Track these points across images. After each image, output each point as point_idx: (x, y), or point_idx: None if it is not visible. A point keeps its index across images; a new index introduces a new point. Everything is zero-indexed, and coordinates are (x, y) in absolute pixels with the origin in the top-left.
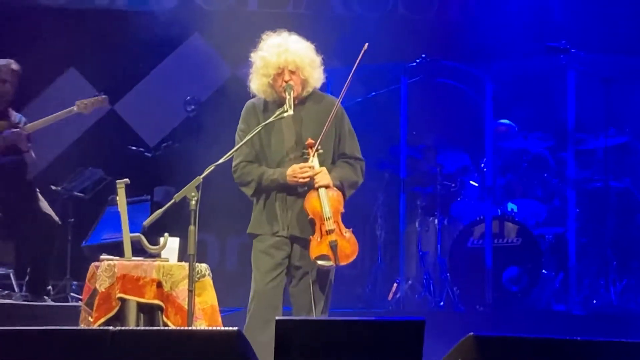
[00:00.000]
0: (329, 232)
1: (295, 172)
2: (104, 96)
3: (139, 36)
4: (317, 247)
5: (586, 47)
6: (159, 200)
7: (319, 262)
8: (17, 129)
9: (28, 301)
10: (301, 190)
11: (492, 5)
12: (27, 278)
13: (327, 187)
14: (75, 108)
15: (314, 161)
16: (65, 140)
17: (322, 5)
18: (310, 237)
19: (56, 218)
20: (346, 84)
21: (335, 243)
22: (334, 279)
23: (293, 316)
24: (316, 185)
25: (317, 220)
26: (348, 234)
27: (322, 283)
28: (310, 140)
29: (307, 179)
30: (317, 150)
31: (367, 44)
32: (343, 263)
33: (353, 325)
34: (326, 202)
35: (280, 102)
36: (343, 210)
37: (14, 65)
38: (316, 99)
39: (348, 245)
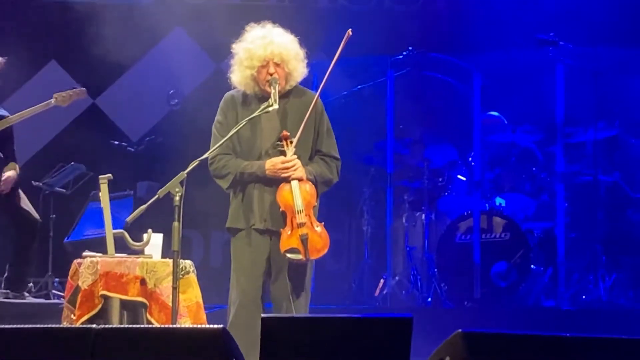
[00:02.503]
0: (300, 225)
1: (275, 165)
2: (82, 88)
3: (120, 29)
4: (288, 240)
5: (575, 40)
6: (142, 195)
7: (289, 255)
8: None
9: (9, 298)
10: (279, 183)
11: None
12: (6, 274)
13: (300, 179)
14: (53, 101)
15: (290, 153)
16: (46, 135)
17: None
18: (282, 229)
19: (36, 215)
20: (328, 71)
21: (306, 237)
22: (312, 273)
23: (278, 314)
24: (289, 178)
25: (288, 212)
26: (320, 227)
27: (300, 277)
28: (285, 132)
29: (289, 174)
30: (291, 142)
31: (350, 29)
32: (313, 257)
33: (339, 322)
34: (298, 195)
35: (262, 96)
36: (316, 204)
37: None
38: (298, 93)
39: (319, 240)
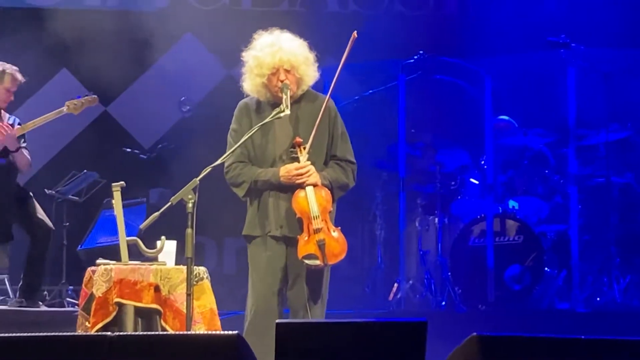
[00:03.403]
0: (317, 230)
1: (290, 172)
2: (93, 96)
3: (131, 36)
4: (305, 246)
5: (586, 42)
6: (155, 202)
7: (307, 261)
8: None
9: (23, 307)
10: (294, 190)
11: (490, 0)
12: (20, 283)
13: (314, 185)
14: (65, 109)
15: (303, 159)
16: (58, 143)
17: (317, 3)
18: (298, 236)
19: (50, 224)
20: (336, 74)
21: (323, 242)
22: (329, 278)
23: (293, 319)
24: (304, 184)
25: (304, 219)
26: (336, 233)
27: (317, 283)
28: (298, 139)
29: (303, 180)
30: (304, 148)
31: (355, 32)
32: (331, 262)
33: (354, 327)
34: (313, 201)
35: (274, 102)
36: (332, 209)
37: (19, 76)
38: (310, 98)
39: (336, 245)
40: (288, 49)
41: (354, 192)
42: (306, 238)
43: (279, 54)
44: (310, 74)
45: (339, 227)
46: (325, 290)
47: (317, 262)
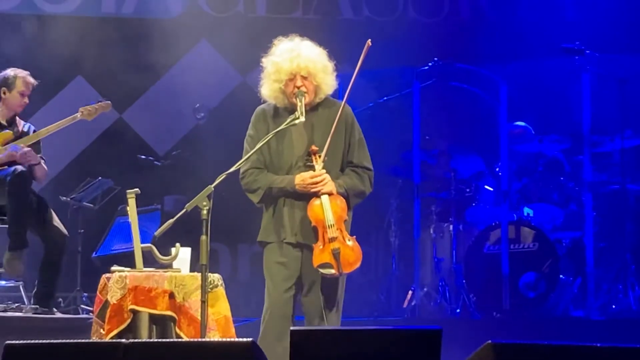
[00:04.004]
0: (332, 239)
1: (305, 180)
2: (107, 101)
3: (146, 44)
4: (320, 255)
5: (601, 48)
6: (170, 209)
7: (322, 270)
8: (24, 150)
9: (38, 314)
10: (310, 198)
11: (504, 7)
12: (35, 290)
13: (330, 194)
14: (79, 115)
15: (318, 167)
16: (73, 150)
17: (331, 10)
18: (314, 244)
19: (65, 231)
20: (351, 82)
21: (338, 251)
22: (345, 286)
23: (307, 326)
24: (319, 192)
25: (319, 227)
26: (351, 241)
27: (332, 291)
28: (313, 147)
29: (318, 189)
30: (320, 156)
31: (369, 40)
32: (346, 271)
33: (368, 334)
34: (329, 209)
35: (292, 109)
36: (347, 218)
37: (31, 79)
38: (327, 105)
39: (351, 253)
40: (306, 56)
41: (369, 199)
42: (321, 247)
43: (297, 60)
44: (328, 82)
45: (354, 236)
46: (341, 297)
47: (332, 271)
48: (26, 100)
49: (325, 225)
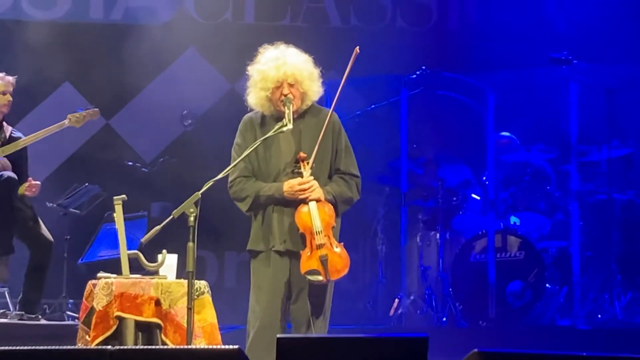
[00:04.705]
0: (319, 246)
1: (293, 187)
2: (95, 109)
3: (134, 50)
4: (307, 261)
5: (588, 58)
6: (157, 216)
7: (309, 277)
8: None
9: (23, 320)
10: (298, 205)
11: (492, 16)
12: (20, 296)
13: (318, 200)
14: (66, 122)
15: (306, 174)
16: (60, 156)
17: (319, 18)
18: (301, 251)
19: (50, 237)
20: (339, 89)
21: (326, 257)
22: (332, 293)
23: (295, 334)
24: (307, 199)
25: (307, 234)
26: (339, 248)
27: (320, 298)
28: (301, 154)
29: (306, 195)
30: (308, 163)
31: (357, 47)
32: (334, 278)
33: (355, 342)
34: (316, 216)
35: (279, 116)
36: (335, 225)
37: (11, 79)
38: (314, 113)
39: (339, 260)
40: (292, 63)
41: (356, 207)
42: (309, 253)
43: (283, 67)
44: (314, 89)
45: (342, 243)
46: (329, 305)
47: (320, 277)
48: (9, 97)
49: (313, 232)
